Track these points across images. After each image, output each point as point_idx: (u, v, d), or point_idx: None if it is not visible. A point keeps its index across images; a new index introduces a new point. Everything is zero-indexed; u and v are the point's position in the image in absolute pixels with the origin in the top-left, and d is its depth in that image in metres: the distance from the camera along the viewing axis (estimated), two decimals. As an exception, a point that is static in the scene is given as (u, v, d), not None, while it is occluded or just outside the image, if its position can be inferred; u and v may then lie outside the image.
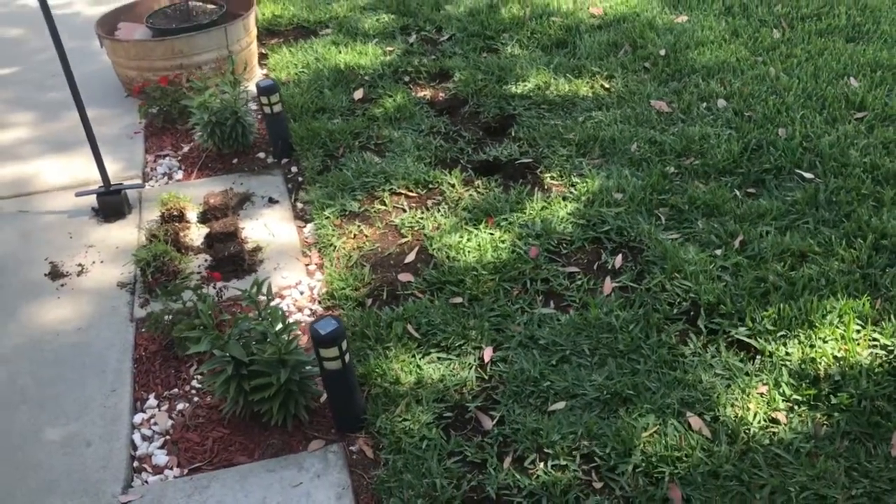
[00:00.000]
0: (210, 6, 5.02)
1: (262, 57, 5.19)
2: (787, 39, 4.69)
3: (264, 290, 2.60)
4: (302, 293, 3.24)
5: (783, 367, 2.61)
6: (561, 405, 2.58)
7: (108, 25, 4.87)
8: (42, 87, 5.11)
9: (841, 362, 2.61)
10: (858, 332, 2.72)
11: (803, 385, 2.55)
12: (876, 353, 2.64)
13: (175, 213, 3.62)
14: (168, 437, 2.69)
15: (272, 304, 2.69)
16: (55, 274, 3.42)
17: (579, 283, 3.07)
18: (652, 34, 4.83)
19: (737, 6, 5.16)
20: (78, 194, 3.79)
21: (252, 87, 4.73)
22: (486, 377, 2.72)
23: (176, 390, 2.86)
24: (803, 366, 2.61)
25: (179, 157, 4.24)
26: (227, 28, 4.62)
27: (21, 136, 4.51)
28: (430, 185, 3.70)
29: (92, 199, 3.79)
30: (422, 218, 3.49)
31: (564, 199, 3.52)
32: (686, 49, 4.63)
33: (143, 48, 4.54)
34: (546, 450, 2.44)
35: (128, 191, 3.82)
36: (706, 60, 4.50)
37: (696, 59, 4.52)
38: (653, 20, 5.04)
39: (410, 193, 3.68)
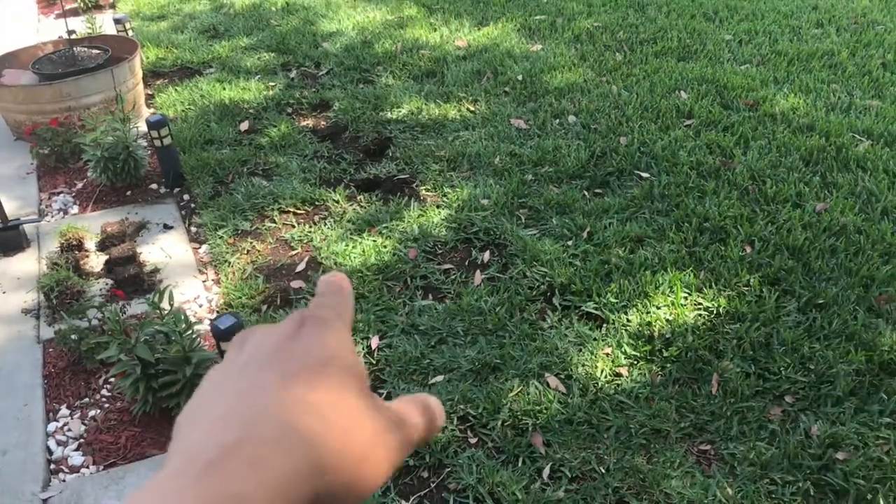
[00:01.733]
0: (95, 51, 5.25)
1: (149, 97, 5.44)
2: (628, 61, 5.31)
3: (166, 297, 2.88)
4: (201, 306, 3.51)
5: (624, 331, 3.08)
6: (440, 378, 2.96)
7: (-8, 73, 5.02)
8: (-74, 135, 5.18)
9: (671, 323, 3.10)
10: (686, 298, 3.22)
11: (640, 343, 3.02)
12: (699, 314, 3.14)
13: (74, 243, 3.82)
14: (82, 440, 2.90)
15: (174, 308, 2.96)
16: (-43, 306, 3.57)
17: (453, 277, 3.47)
18: (511, 62, 5.36)
19: (584, 34, 5.77)
20: (-25, 231, 3.94)
21: (141, 126, 4.98)
22: (374, 361, 3.07)
23: (87, 399, 3.08)
24: (641, 328, 3.08)
25: (74, 194, 4.44)
26: (114, 70, 4.86)
27: None
28: (317, 203, 4.05)
29: (-11, 236, 3.95)
30: (310, 231, 3.83)
31: (438, 207, 3.94)
32: (541, 73, 5.18)
33: (32, 92, 4.73)
34: (427, 415, 2.80)
35: (26, 226, 3.99)
36: (558, 83, 5.05)
37: (550, 82, 5.06)
38: (511, 50, 5.58)
39: (298, 211, 4.01)
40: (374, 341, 3.15)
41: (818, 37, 5.55)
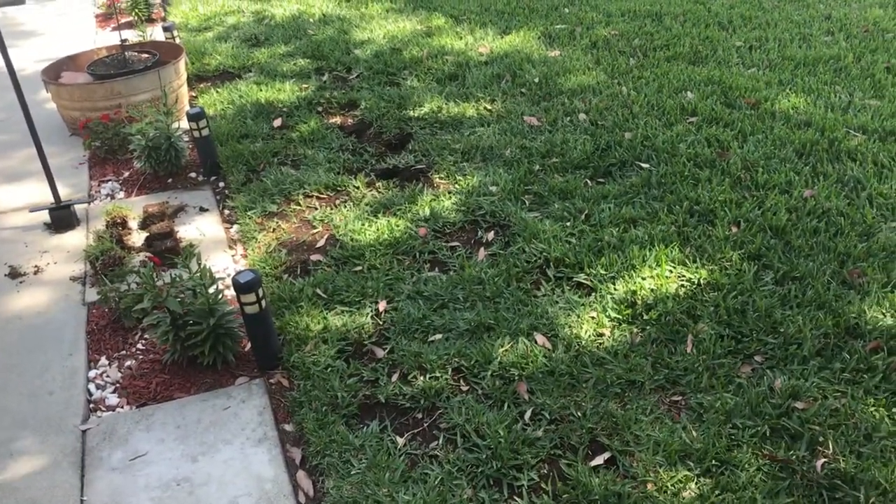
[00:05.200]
0: (144, 55, 5.70)
1: (193, 98, 5.87)
2: (641, 65, 5.58)
3: (194, 258, 3.23)
4: (229, 275, 3.86)
5: (610, 298, 3.34)
6: (438, 336, 3.25)
7: (52, 73, 5.50)
8: (-9, 131, 5.68)
9: (654, 292, 3.34)
10: (671, 271, 3.46)
11: (623, 308, 3.27)
12: (681, 285, 3.39)
13: (119, 221, 4.21)
14: (118, 384, 3.25)
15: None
16: (14, 274, 3.97)
17: (459, 253, 3.77)
18: (529, 66, 5.68)
19: (601, 42, 6.07)
20: (32, 210, 4.36)
21: (184, 124, 5.40)
22: (381, 322, 3.38)
23: (124, 352, 3.44)
24: (626, 296, 3.34)
25: (121, 181, 4.85)
26: (160, 71, 5.30)
27: (-25, 171, 5.08)
28: (339, 188, 4.39)
29: (44, 215, 4.37)
30: (331, 213, 4.17)
31: (450, 192, 4.24)
32: (556, 76, 5.48)
33: (86, 90, 5.18)
34: (425, 366, 3.09)
35: (76, 207, 4.40)
36: (572, 84, 5.34)
37: (564, 84, 5.36)
38: (531, 55, 5.90)
39: (321, 195, 4.36)
40: (382, 305, 3.45)
41: (827, 43, 5.76)
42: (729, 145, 4.38)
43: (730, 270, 3.43)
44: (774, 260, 3.46)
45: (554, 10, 6.97)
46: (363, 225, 4.01)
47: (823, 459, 2.57)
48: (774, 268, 3.43)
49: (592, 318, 3.26)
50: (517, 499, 2.56)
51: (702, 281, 3.39)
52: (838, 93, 4.95)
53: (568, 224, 3.85)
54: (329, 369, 3.13)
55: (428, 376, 3.05)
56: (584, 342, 3.13)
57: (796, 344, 3.04)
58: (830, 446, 2.61)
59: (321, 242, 3.96)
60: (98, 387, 3.25)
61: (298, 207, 4.27)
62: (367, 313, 3.41)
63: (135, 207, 4.44)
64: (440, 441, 2.80)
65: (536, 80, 5.46)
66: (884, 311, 3.14)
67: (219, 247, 4.10)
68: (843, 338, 3.06)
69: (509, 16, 6.89)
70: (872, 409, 2.74)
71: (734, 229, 3.69)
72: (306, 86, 5.75)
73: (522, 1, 7.29)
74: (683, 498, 2.49)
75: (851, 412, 2.73)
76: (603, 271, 3.48)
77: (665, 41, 5.98)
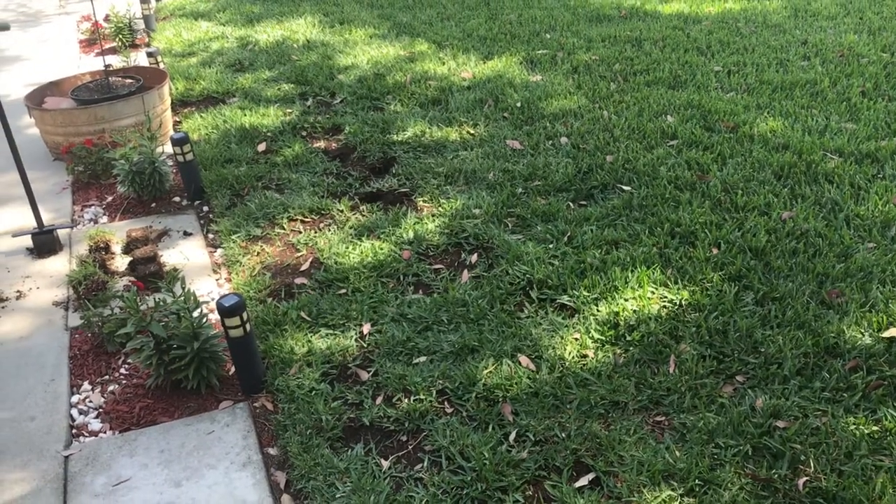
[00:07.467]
0: (128, 80, 5.72)
1: (177, 123, 5.89)
2: (621, 90, 5.66)
3: (178, 282, 3.23)
4: (213, 299, 3.85)
5: (593, 319, 3.36)
6: (423, 359, 3.26)
7: (35, 99, 5.50)
8: (-26, 156, 5.66)
9: (637, 313, 3.37)
10: (653, 293, 3.50)
11: (606, 329, 3.30)
12: (664, 305, 3.42)
13: (102, 245, 4.21)
14: (101, 410, 3.24)
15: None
16: (-4, 299, 3.95)
17: (443, 275, 3.79)
18: (511, 91, 5.74)
19: (582, 66, 6.15)
20: (14, 235, 4.35)
21: (168, 149, 5.41)
22: (365, 345, 3.38)
23: (107, 377, 3.42)
24: (608, 317, 3.36)
25: (104, 206, 4.85)
26: (144, 96, 5.32)
27: (-43, 196, 5.05)
28: (323, 212, 4.41)
29: (27, 240, 4.36)
30: (315, 236, 4.18)
31: (433, 216, 4.27)
32: (538, 101, 5.54)
33: (69, 116, 5.18)
34: (409, 388, 3.10)
35: (59, 231, 4.39)
36: (553, 109, 5.40)
37: (546, 108, 5.42)
38: (513, 80, 5.97)
39: (305, 219, 4.37)
40: (366, 328, 3.46)
41: (804, 68, 5.87)
42: (708, 168, 4.44)
43: (711, 291, 3.47)
44: (755, 281, 3.50)
45: (535, 36, 7.06)
46: (347, 248, 4.02)
47: (805, 478, 2.59)
48: (755, 288, 3.47)
49: (576, 339, 3.28)
50: (502, 520, 2.56)
51: (683, 302, 3.42)
52: (815, 116, 5.04)
53: (551, 246, 3.88)
54: (313, 392, 3.13)
55: (412, 398, 3.06)
56: (567, 363, 3.15)
57: (777, 363, 3.07)
58: (812, 465, 2.63)
59: (305, 266, 3.97)
60: (81, 412, 3.23)
61: (283, 231, 4.28)
62: (352, 336, 3.42)
63: (118, 232, 4.44)
64: (425, 463, 2.80)
65: (519, 104, 5.52)
66: (862, 330, 3.19)
67: (203, 271, 4.10)
68: (822, 357, 3.10)
69: (491, 41, 6.97)
70: (853, 427, 2.76)
71: (715, 251, 3.74)
72: (290, 111, 5.78)
73: (504, 27, 7.39)
74: (667, 517, 2.50)
75: (832, 431, 2.76)
76: (586, 293, 3.51)
77: (645, 66, 6.07)
